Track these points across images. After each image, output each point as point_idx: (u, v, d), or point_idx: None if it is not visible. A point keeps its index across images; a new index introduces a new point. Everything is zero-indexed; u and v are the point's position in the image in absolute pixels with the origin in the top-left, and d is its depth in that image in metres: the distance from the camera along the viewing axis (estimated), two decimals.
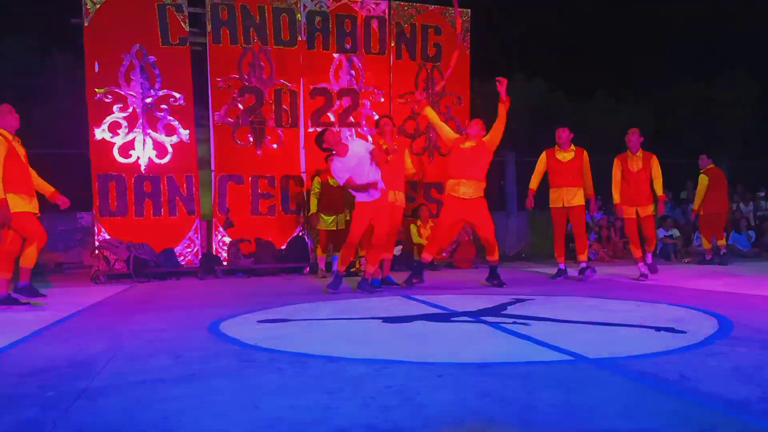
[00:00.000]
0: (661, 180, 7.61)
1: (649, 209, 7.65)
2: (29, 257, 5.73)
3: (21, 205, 5.59)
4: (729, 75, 17.50)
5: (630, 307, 5.06)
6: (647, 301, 5.34)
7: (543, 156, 7.89)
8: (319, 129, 9.59)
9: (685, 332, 3.79)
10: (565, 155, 7.72)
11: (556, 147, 7.80)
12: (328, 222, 8.63)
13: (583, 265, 7.72)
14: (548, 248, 12.91)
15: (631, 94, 16.98)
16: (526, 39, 17.58)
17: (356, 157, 6.36)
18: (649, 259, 7.64)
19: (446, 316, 4.69)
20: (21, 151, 5.76)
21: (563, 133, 7.74)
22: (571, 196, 7.69)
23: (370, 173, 6.36)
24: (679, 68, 17.92)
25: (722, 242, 10.34)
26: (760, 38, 17.37)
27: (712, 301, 5.26)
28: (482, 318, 4.54)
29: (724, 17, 17.89)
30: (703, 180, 10.20)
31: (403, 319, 4.64)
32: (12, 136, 5.69)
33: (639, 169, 7.54)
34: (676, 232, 11.70)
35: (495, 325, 4.21)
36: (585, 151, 7.76)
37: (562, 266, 7.88)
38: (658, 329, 3.91)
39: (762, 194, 13.95)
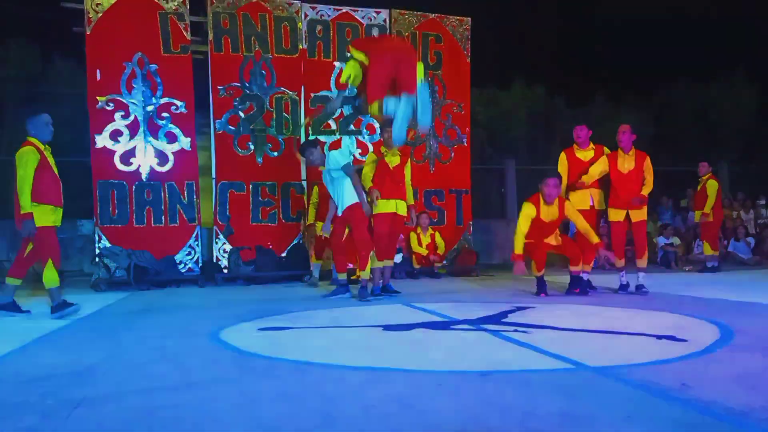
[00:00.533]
0: (652, 180, 6.90)
1: (642, 214, 6.96)
2: (52, 279, 5.60)
3: (45, 217, 5.53)
4: (728, 81, 17.49)
5: (630, 314, 5.05)
6: (648, 309, 5.34)
7: (562, 157, 7.28)
8: (320, 137, 9.62)
9: (686, 340, 3.78)
10: (586, 154, 7.16)
11: (575, 146, 7.24)
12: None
13: (585, 275, 6.98)
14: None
15: (630, 100, 17.00)
16: (526, 45, 17.64)
17: (327, 171, 6.84)
18: (640, 277, 6.83)
19: (446, 324, 4.68)
20: (51, 160, 5.68)
21: (581, 132, 7.21)
22: (599, 198, 7.15)
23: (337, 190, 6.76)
24: (678, 74, 17.92)
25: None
26: (759, 43, 17.38)
27: (713, 308, 5.25)
28: (483, 326, 4.53)
29: (723, 22, 17.93)
30: (715, 184, 10.15)
31: (403, 327, 4.63)
32: (44, 146, 5.62)
33: (630, 170, 6.86)
34: (676, 240, 11.69)
35: (495, 333, 4.21)
36: (605, 148, 7.19)
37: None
38: (659, 337, 3.91)
39: (762, 202, 13.93)
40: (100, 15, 8.87)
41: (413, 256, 9.90)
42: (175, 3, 9.17)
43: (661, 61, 18.82)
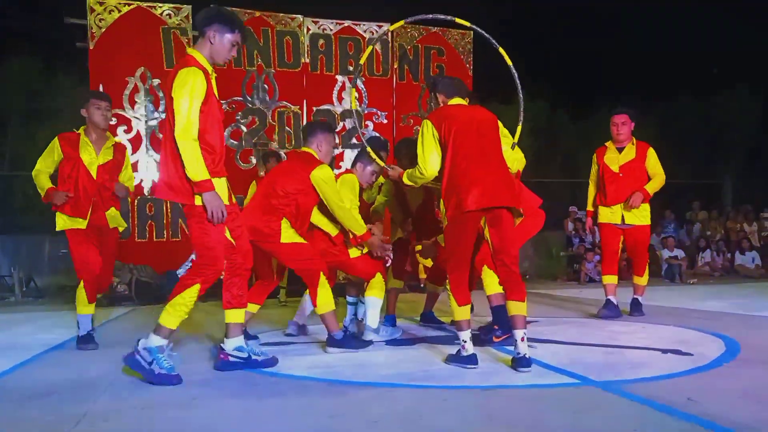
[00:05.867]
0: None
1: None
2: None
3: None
4: (731, 93, 17.45)
5: (635, 328, 5.01)
6: (653, 323, 5.30)
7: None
8: None
9: (691, 354, 3.75)
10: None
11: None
12: None
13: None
14: (552, 268, 12.89)
15: (633, 113, 16.99)
16: (528, 58, 17.63)
17: None
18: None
19: (450, 339, 4.65)
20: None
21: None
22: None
23: None
24: (681, 86, 17.89)
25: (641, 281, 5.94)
26: (763, 55, 17.32)
27: (719, 322, 5.21)
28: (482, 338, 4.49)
29: (726, 33, 17.93)
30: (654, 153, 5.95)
31: (406, 342, 4.60)
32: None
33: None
34: (681, 253, 11.63)
35: (499, 347, 4.18)
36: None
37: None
38: (664, 351, 3.87)
39: (766, 215, 13.87)
40: (103, 30, 8.91)
41: (419, 267, 9.78)
42: (178, 18, 9.21)
43: (664, 74, 18.82)
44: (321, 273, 4.25)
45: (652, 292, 7.31)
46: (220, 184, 3.50)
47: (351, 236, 4.40)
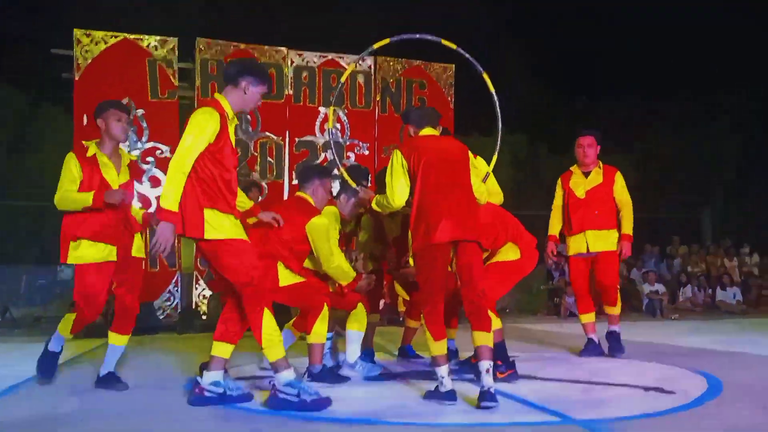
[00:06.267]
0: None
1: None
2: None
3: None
4: (711, 128, 17.65)
5: (617, 365, 4.98)
6: (634, 359, 5.27)
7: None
8: None
9: (674, 392, 3.72)
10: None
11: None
12: None
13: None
14: (532, 303, 12.86)
15: (611, 146, 17.16)
16: (508, 91, 17.73)
17: None
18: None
19: (428, 374, 4.59)
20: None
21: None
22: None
23: None
24: (660, 120, 18.09)
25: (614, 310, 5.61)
26: (741, 89, 17.57)
27: (701, 359, 5.19)
28: (465, 376, 4.44)
29: (707, 68, 18.19)
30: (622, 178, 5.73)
31: (383, 378, 4.54)
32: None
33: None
34: (662, 288, 11.66)
35: (478, 383, 4.12)
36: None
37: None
38: (646, 389, 3.84)
39: (746, 250, 13.99)
40: (89, 62, 8.90)
41: (398, 300, 9.70)
42: (165, 50, 9.23)
43: (643, 109, 19.01)
44: (324, 305, 4.27)
45: (634, 328, 7.30)
46: (233, 222, 3.60)
47: (337, 285, 4.43)
